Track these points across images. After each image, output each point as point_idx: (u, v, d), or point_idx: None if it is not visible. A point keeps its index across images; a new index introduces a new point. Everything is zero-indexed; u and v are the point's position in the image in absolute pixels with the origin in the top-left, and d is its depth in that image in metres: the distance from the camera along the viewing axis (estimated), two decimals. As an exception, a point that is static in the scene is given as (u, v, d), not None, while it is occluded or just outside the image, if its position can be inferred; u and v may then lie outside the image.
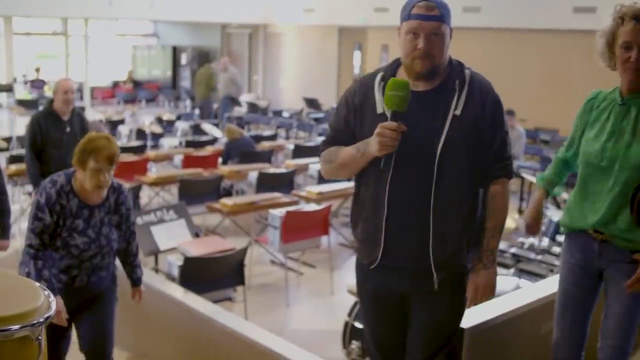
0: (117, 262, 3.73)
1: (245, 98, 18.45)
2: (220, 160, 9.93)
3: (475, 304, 2.82)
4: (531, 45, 13.75)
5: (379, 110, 2.69)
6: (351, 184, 6.52)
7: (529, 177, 8.60)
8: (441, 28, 2.60)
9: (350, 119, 2.77)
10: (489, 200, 2.77)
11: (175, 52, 22.81)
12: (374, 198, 2.71)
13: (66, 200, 3.37)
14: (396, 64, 2.78)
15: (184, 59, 22.44)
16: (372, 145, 2.60)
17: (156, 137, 12.74)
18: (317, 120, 15.46)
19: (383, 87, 2.68)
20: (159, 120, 14.87)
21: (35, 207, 3.34)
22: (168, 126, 14.37)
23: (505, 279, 4.72)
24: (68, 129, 5.99)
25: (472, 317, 3.30)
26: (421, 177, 2.64)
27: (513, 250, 5.80)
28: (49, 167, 5.86)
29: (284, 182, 8.66)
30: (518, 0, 14.34)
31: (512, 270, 5.43)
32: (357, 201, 2.84)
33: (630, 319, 2.90)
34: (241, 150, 9.82)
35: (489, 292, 2.79)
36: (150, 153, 10.55)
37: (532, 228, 3.25)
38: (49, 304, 1.93)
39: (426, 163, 2.63)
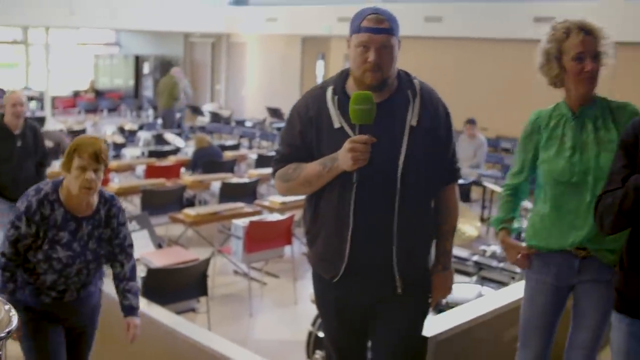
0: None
1: (207, 107, 18.41)
2: (183, 170, 9.88)
3: (435, 305, 2.90)
4: (492, 54, 13.91)
5: (336, 125, 2.69)
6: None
7: (491, 186, 8.69)
8: (391, 40, 2.63)
9: (307, 133, 2.75)
10: (443, 204, 2.87)
11: (138, 61, 22.65)
12: (338, 212, 2.71)
13: (50, 209, 3.13)
14: (344, 75, 2.79)
15: (146, 68, 22.30)
16: (342, 161, 2.59)
17: (118, 147, 12.62)
18: (280, 129, 15.45)
19: (337, 101, 2.71)
20: (121, 130, 14.74)
21: (15, 215, 3.15)
22: (130, 136, 14.25)
23: (467, 287, 4.76)
24: (19, 143, 5.84)
25: (436, 325, 3.33)
26: (385, 188, 2.66)
27: (475, 258, 5.84)
28: (0, 182, 5.76)
29: (247, 192, 8.65)
30: (479, 10, 14.49)
31: (474, 278, 5.48)
32: (316, 216, 2.81)
33: (603, 330, 2.92)
34: (209, 160, 9.79)
35: (447, 292, 2.91)
36: (112, 163, 10.45)
37: (521, 263, 3.10)
38: (10, 318, 1.91)
39: (389, 174, 2.65)
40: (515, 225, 3.20)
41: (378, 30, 2.60)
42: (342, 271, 2.74)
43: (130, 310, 3.38)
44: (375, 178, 2.64)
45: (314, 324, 4.59)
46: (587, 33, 2.81)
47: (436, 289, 2.88)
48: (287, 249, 7.01)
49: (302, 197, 5.85)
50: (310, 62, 18.80)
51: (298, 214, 8.18)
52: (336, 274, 2.77)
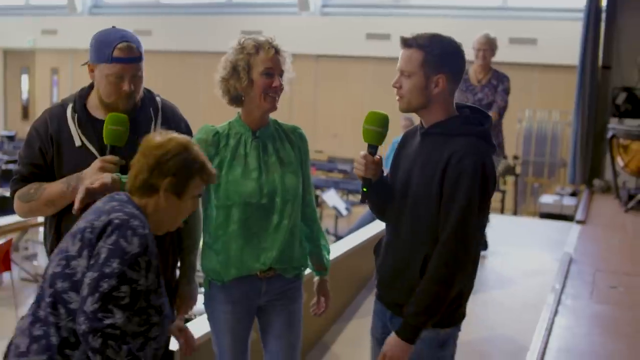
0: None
1: None
2: None
3: (180, 318, 2.93)
4: (202, 66, 14.17)
5: (78, 143, 2.67)
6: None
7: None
8: (141, 67, 2.68)
9: (47, 151, 2.69)
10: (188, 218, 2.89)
11: None
12: None
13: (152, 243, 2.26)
14: (84, 93, 2.76)
15: None
16: (90, 180, 2.53)
17: None
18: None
19: (78, 119, 2.68)
20: None
21: (122, 262, 2.08)
22: None
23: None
24: None
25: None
26: None
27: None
28: None
29: (-45, 219, 8.05)
30: (188, 23, 14.75)
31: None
32: (59, 236, 2.68)
33: (299, 343, 2.99)
34: None
35: (192, 303, 2.96)
36: None
37: None
38: None
39: None
40: None
41: (130, 60, 2.62)
42: None
43: None
44: None
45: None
46: (277, 52, 2.76)
47: (181, 301, 2.91)
48: (5, 275, 6.64)
49: (17, 219, 5.49)
50: (14, 76, 17.86)
51: (15, 237, 7.80)
52: None
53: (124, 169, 2.55)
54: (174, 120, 2.83)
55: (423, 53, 2.50)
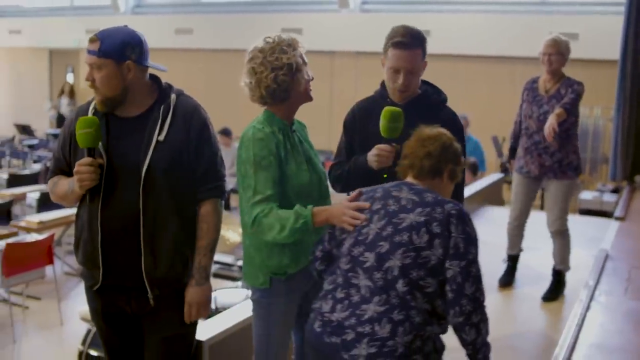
0: None
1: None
2: None
3: (191, 320, 2.90)
4: (242, 64, 14.26)
5: None
6: (72, 210, 6.43)
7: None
8: (100, 62, 2.67)
9: (65, 146, 2.84)
10: (199, 219, 2.87)
11: None
12: (90, 221, 2.78)
13: None
14: None
15: None
16: (75, 184, 2.70)
17: None
18: (31, 147, 14.79)
19: (94, 115, 2.76)
20: None
21: (475, 247, 2.43)
22: None
23: (234, 292, 4.93)
24: None
25: (208, 329, 3.45)
26: (129, 199, 2.73)
27: (240, 263, 6.03)
28: None
29: (1, 214, 8.24)
30: (229, 22, 14.85)
31: (240, 283, 5.66)
32: (77, 225, 2.89)
33: None
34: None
35: (202, 308, 2.89)
36: None
37: None
38: None
39: (133, 186, 2.72)
40: None
41: (88, 52, 2.69)
42: (101, 279, 2.80)
43: None
44: (121, 189, 2.74)
45: (84, 342, 4.54)
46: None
47: (187, 303, 2.86)
48: (48, 269, 6.79)
49: (61, 215, 5.58)
50: (60, 75, 18.19)
51: (58, 232, 7.97)
52: (96, 282, 2.82)
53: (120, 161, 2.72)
54: (184, 120, 2.81)
55: (421, 48, 3.02)
